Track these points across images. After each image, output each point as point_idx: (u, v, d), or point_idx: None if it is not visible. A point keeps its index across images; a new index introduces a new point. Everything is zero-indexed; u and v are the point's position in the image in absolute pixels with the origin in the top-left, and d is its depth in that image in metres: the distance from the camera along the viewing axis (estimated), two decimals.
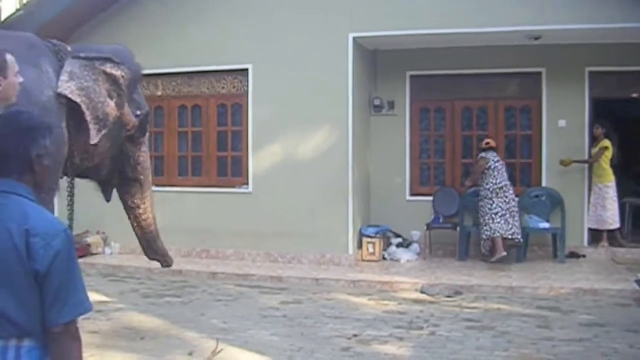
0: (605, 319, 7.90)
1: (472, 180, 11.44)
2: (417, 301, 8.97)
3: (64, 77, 5.42)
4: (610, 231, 11.52)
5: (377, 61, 12.38)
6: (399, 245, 11.83)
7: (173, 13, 11.77)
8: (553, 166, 11.56)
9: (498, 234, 10.76)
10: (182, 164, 12.16)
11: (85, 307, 2.56)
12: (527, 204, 11.43)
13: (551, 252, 11.46)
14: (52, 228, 2.50)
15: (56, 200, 5.89)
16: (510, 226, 10.80)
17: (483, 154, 11.18)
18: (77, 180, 6.36)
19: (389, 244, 11.88)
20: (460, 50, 11.62)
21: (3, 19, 12.86)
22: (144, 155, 6.65)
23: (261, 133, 11.46)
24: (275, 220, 11.34)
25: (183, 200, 11.62)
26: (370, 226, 11.72)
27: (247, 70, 11.60)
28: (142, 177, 6.67)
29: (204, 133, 12.05)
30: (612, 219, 11.36)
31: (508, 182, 11.03)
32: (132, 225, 7.14)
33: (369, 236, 11.49)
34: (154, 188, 6.99)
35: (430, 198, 12.05)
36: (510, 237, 10.80)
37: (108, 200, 6.80)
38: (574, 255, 11.31)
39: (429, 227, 11.77)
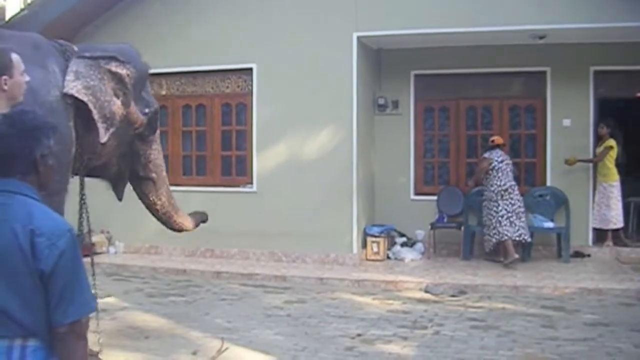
0: (609, 318, 7.89)
1: (475, 180, 11.42)
2: (421, 300, 8.96)
3: (69, 76, 5.42)
4: (614, 230, 11.51)
5: (381, 60, 12.37)
6: (403, 245, 11.82)
7: (177, 12, 11.78)
8: (557, 165, 11.54)
9: (506, 237, 10.68)
10: (186, 164, 12.17)
11: (91, 306, 2.57)
12: (532, 203, 11.40)
13: (555, 252, 11.43)
14: (57, 228, 2.51)
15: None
16: (517, 228, 10.71)
17: (486, 154, 11.10)
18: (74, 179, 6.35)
19: (393, 243, 11.87)
20: (464, 49, 11.61)
21: (7, 18, 12.88)
22: (155, 153, 6.61)
23: (265, 132, 11.46)
24: (280, 220, 11.34)
25: (187, 200, 11.53)
26: (374, 225, 11.71)
27: (251, 69, 11.60)
28: (153, 175, 6.64)
29: (208, 132, 12.06)
30: (616, 218, 11.35)
31: (513, 183, 10.92)
32: (154, 216, 7.14)
33: (373, 235, 11.49)
34: None
35: (435, 197, 12.05)
36: (517, 238, 10.74)
37: (120, 199, 6.79)
38: (578, 254, 11.29)
39: (433, 226, 11.76)
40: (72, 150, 5.49)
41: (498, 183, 10.83)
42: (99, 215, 10.62)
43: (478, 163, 11.49)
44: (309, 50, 11.21)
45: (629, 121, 12.82)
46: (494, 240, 10.81)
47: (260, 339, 7.15)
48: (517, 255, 10.59)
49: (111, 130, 5.69)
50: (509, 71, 11.90)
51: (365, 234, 11.51)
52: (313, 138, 11.26)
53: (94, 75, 5.60)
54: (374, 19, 10.93)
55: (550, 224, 11.25)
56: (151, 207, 6.96)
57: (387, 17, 10.88)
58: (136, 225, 11.98)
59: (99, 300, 6.15)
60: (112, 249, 12.04)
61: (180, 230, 7.42)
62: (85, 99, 5.45)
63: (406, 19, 10.78)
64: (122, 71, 5.78)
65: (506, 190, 10.80)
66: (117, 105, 5.73)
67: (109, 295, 9.00)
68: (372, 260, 11.39)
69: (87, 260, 5.76)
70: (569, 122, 11.58)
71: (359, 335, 7.28)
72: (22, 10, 12.29)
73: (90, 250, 6.51)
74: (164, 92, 12.06)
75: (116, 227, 11.86)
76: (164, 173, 6.82)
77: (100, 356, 6.12)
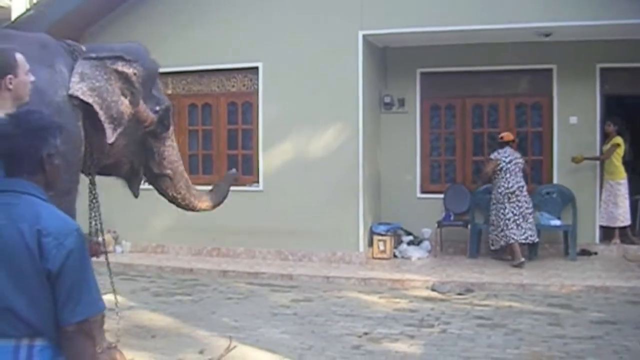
0: (616, 316, 7.88)
1: (482, 180, 11.39)
2: (427, 299, 8.96)
3: (74, 78, 5.42)
4: (621, 228, 11.47)
5: (387, 58, 12.36)
6: (409, 243, 11.82)
7: (182, 11, 11.78)
8: (564, 163, 11.52)
9: (512, 240, 10.62)
10: (193, 163, 12.16)
11: (99, 306, 2.57)
12: (538, 201, 11.37)
13: (562, 250, 11.40)
14: (64, 227, 2.51)
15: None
16: (524, 230, 10.64)
17: (494, 154, 10.97)
18: (85, 179, 6.36)
19: (399, 242, 11.86)
20: (470, 47, 11.60)
21: (13, 18, 12.91)
22: (169, 149, 6.58)
23: (271, 131, 11.46)
24: (286, 218, 11.35)
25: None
26: (380, 224, 11.71)
27: (257, 68, 11.60)
28: (169, 171, 6.61)
29: (214, 131, 12.07)
30: (623, 216, 11.32)
31: (521, 184, 10.76)
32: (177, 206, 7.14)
33: (379, 234, 11.48)
34: None
35: (441, 195, 12.03)
36: (524, 241, 10.68)
37: (135, 196, 6.78)
38: (585, 252, 11.26)
39: (440, 224, 11.75)
40: (82, 150, 5.50)
41: (505, 185, 10.73)
42: (106, 215, 10.63)
43: (486, 161, 11.43)
44: (314, 49, 11.20)
45: (636, 118, 12.78)
46: (501, 242, 10.78)
47: (266, 338, 7.16)
48: (523, 259, 10.51)
49: (119, 130, 5.69)
50: (515, 69, 11.87)
51: (372, 233, 11.51)
52: (319, 137, 11.26)
53: (100, 76, 5.60)
54: (379, 17, 10.92)
55: (557, 222, 11.21)
56: (172, 201, 6.96)
57: (392, 15, 10.87)
58: (142, 224, 12.05)
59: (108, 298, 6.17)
60: (118, 248, 12.05)
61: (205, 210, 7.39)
62: (90, 100, 5.46)
63: (412, 17, 10.78)
64: (129, 70, 5.78)
65: (513, 192, 10.68)
66: (124, 104, 5.73)
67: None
68: (379, 258, 11.39)
69: (99, 260, 5.80)
70: (576, 120, 11.56)
71: (365, 333, 7.28)
72: (27, 10, 12.31)
73: (96, 250, 6.50)
74: (169, 92, 12.05)
75: (122, 227, 11.87)
76: (181, 167, 6.78)
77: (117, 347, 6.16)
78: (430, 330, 7.40)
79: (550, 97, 11.74)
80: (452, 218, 11.81)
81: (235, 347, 6.82)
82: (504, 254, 10.94)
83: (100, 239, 6.33)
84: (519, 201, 10.69)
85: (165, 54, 11.05)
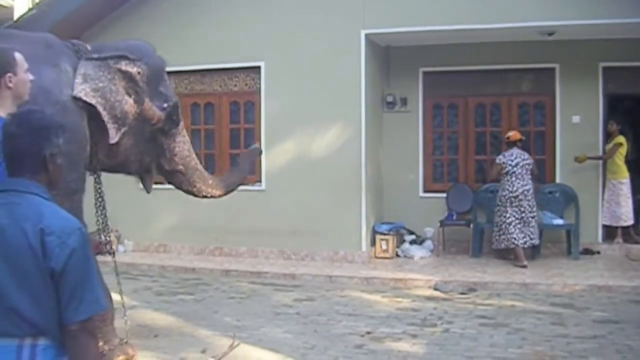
0: (619, 315, 7.87)
1: (489, 179, 11.37)
2: (430, 298, 8.95)
3: (77, 79, 5.43)
4: (624, 227, 11.46)
5: (389, 57, 12.35)
6: (412, 242, 11.81)
7: (184, 11, 11.78)
8: (567, 162, 11.51)
9: (514, 245, 10.58)
10: None
11: (102, 304, 2.58)
12: (541, 200, 11.33)
13: (565, 249, 11.40)
14: (67, 226, 2.51)
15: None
16: (524, 235, 10.57)
17: (499, 158, 10.82)
18: (87, 178, 6.37)
19: (402, 241, 11.85)
20: (473, 46, 11.59)
21: (15, 18, 12.91)
22: (180, 145, 6.55)
23: (274, 130, 11.46)
24: (288, 218, 11.35)
25: (196, 198, 11.59)
26: (383, 223, 11.71)
27: (259, 67, 11.60)
28: (180, 167, 6.58)
29: (216, 131, 12.07)
30: (625, 215, 11.31)
31: (527, 188, 10.59)
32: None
33: (382, 233, 11.48)
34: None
35: (444, 195, 12.03)
36: (524, 245, 10.60)
37: (148, 192, 6.78)
38: (588, 251, 11.25)
39: (442, 223, 11.75)
40: (87, 149, 5.51)
41: (509, 189, 10.61)
42: (108, 214, 10.68)
43: (491, 165, 11.32)
44: (317, 48, 11.20)
45: (638, 117, 12.77)
46: (502, 245, 10.74)
47: (269, 337, 7.15)
48: (525, 263, 10.44)
49: (123, 130, 5.69)
50: (517, 68, 11.86)
51: (374, 232, 11.51)
52: (321, 136, 11.25)
53: (103, 77, 5.60)
54: (382, 17, 10.92)
55: (559, 221, 11.20)
56: (189, 194, 6.96)
57: (395, 14, 10.87)
58: (145, 223, 12.06)
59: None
60: (121, 248, 12.04)
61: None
62: (93, 101, 5.46)
63: (414, 16, 10.77)
64: (132, 69, 5.77)
65: (516, 197, 10.57)
66: (129, 104, 5.73)
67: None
68: (381, 258, 11.39)
69: (102, 260, 5.82)
70: (578, 119, 11.54)
71: (368, 333, 7.28)
72: (30, 10, 12.32)
73: (100, 249, 6.51)
74: None
75: (125, 226, 11.86)
76: (193, 162, 6.73)
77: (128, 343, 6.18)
78: (433, 330, 7.40)
79: (552, 96, 11.73)
80: (454, 217, 11.81)
81: (238, 344, 6.82)
82: (508, 253, 10.91)
83: (103, 237, 6.34)
84: (521, 206, 10.58)
85: (167, 54, 10.97)
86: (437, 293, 9.23)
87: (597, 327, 7.37)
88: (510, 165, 10.65)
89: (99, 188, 6.20)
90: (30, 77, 3.63)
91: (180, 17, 11.76)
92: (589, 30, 10.65)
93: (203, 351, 6.67)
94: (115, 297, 6.25)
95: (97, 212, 6.29)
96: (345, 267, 10.79)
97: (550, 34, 10.79)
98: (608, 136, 11.54)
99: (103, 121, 5.54)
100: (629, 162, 11.57)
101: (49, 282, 2.45)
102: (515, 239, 10.54)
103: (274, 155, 11.48)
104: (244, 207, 11.45)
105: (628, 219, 11.35)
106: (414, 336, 7.15)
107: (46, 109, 4.13)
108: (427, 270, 10.53)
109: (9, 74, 3.47)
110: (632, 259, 10.83)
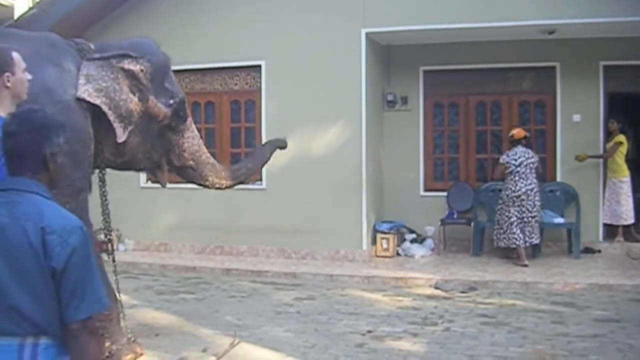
0: (620, 314, 7.87)
1: (493, 178, 11.31)
2: (431, 297, 8.95)
3: (80, 80, 5.42)
4: (625, 226, 11.46)
5: (390, 56, 12.35)
6: (412, 241, 11.81)
7: (184, 10, 11.78)
8: (567, 161, 11.50)
9: (515, 245, 10.56)
10: None
11: (103, 303, 2.58)
12: (542, 198, 11.33)
13: (566, 247, 11.39)
14: (68, 225, 2.52)
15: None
16: (525, 235, 10.54)
17: (503, 158, 10.73)
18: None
19: (402, 240, 11.85)
20: (473, 44, 11.58)
21: (16, 17, 12.91)
22: (189, 140, 6.53)
23: (274, 129, 11.42)
24: (289, 216, 11.34)
25: (197, 197, 11.59)
26: (384, 222, 11.71)
27: (259, 66, 11.60)
28: (190, 163, 6.57)
29: (217, 129, 12.07)
30: (626, 214, 11.31)
31: (531, 187, 10.50)
32: None
33: (382, 232, 11.48)
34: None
35: (444, 193, 12.03)
36: (524, 245, 10.57)
37: (163, 186, 6.77)
38: (588, 250, 11.25)
39: (443, 222, 11.74)
40: (91, 148, 5.51)
41: (512, 188, 10.54)
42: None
43: (495, 164, 11.20)
44: (317, 47, 11.19)
45: (639, 116, 12.76)
46: (502, 243, 10.72)
47: (270, 336, 7.16)
48: (527, 262, 10.42)
49: (129, 128, 5.69)
50: (518, 66, 11.86)
51: (375, 231, 11.50)
52: (322, 135, 11.25)
53: (106, 76, 5.60)
54: (382, 15, 10.91)
55: (560, 220, 11.19)
56: (204, 187, 6.96)
57: (395, 13, 10.86)
58: (145, 222, 12.07)
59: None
60: (121, 247, 12.04)
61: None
62: (98, 101, 5.46)
63: (415, 14, 10.76)
64: (135, 67, 5.77)
65: (519, 197, 10.50)
66: (133, 102, 5.72)
67: None
68: (382, 256, 11.39)
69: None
70: (579, 118, 11.54)
71: (369, 331, 7.28)
72: (30, 9, 12.31)
73: (102, 247, 6.51)
74: None
75: (126, 225, 11.84)
76: (204, 156, 6.72)
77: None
78: (434, 329, 7.40)
79: (553, 94, 11.73)
80: (455, 216, 11.80)
81: (239, 342, 6.83)
82: (511, 252, 10.87)
83: (106, 236, 6.34)
84: (523, 205, 10.52)
85: (168, 52, 11.07)
86: (437, 292, 9.23)
87: (598, 326, 7.36)
88: (513, 164, 10.57)
89: (103, 187, 6.21)
90: (29, 76, 3.63)
91: (181, 15, 11.75)
92: (590, 28, 10.65)
93: (204, 350, 6.67)
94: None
95: (102, 210, 6.29)
96: (346, 265, 10.79)
97: (550, 33, 10.78)
98: (608, 135, 11.54)
99: (108, 120, 5.54)
100: (629, 161, 11.57)
101: (49, 281, 2.45)
102: (516, 238, 10.51)
103: (274, 155, 11.42)
104: (245, 206, 11.46)
105: (629, 218, 11.35)
106: (415, 335, 7.15)
107: (49, 108, 4.14)
108: (427, 269, 10.53)
109: (7, 73, 3.47)
110: (633, 258, 10.83)
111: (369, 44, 11.14)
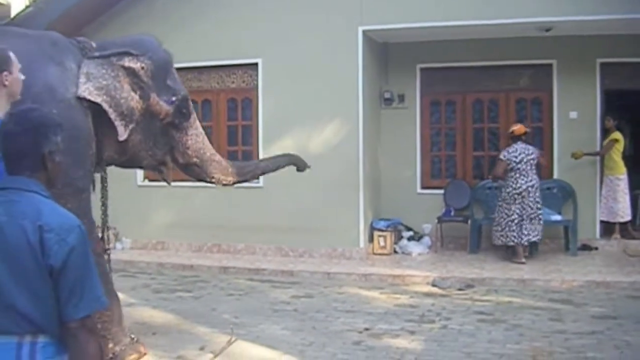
0: (617, 311, 7.88)
1: (493, 176, 11.05)
2: (428, 294, 8.96)
3: (81, 79, 5.42)
4: (622, 223, 11.47)
5: (387, 54, 12.35)
6: (410, 239, 11.81)
7: (181, 8, 11.76)
8: (564, 158, 11.51)
9: (512, 243, 10.51)
10: None
11: (101, 302, 2.58)
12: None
13: (563, 245, 11.39)
14: (66, 223, 2.52)
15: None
16: (526, 232, 10.43)
17: (503, 154, 10.61)
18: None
19: (399, 237, 11.86)
20: (470, 42, 11.58)
21: (12, 15, 12.89)
22: (193, 138, 6.48)
23: (271, 127, 11.46)
24: (286, 214, 11.34)
25: (194, 195, 11.61)
26: (381, 219, 11.71)
27: (256, 64, 11.59)
28: (195, 160, 6.52)
29: (214, 127, 12.05)
30: (623, 211, 11.32)
31: (531, 184, 10.43)
32: None
33: (379, 229, 11.48)
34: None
35: (441, 191, 12.04)
36: (525, 243, 10.50)
37: (168, 183, 6.76)
38: (585, 247, 11.26)
39: (440, 220, 11.75)
40: (93, 146, 5.50)
41: (514, 185, 10.47)
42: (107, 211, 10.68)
43: (496, 164, 11.03)
44: (314, 45, 11.18)
45: (636, 113, 12.77)
46: (499, 241, 10.67)
47: (267, 334, 7.16)
48: (524, 260, 10.40)
49: (130, 126, 5.68)
50: (515, 64, 11.86)
51: (372, 228, 11.51)
52: (319, 132, 11.25)
53: (107, 74, 5.59)
54: (379, 13, 10.90)
55: (557, 217, 11.19)
56: (211, 183, 6.91)
57: (392, 10, 10.85)
58: (143, 221, 12.06)
59: None
60: (119, 245, 12.03)
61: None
62: (98, 100, 5.46)
63: (412, 12, 10.75)
64: (136, 65, 5.76)
65: (520, 193, 10.43)
66: (135, 100, 5.71)
67: None
68: (379, 254, 11.39)
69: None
70: (576, 115, 11.55)
71: (366, 329, 7.29)
72: (26, 7, 12.28)
73: (100, 246, 6.51)
74: None
75: (123, 223, 11.83)
76: (208, 153, 6.67)
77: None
78: (431, 326, 7.40)
79: (550, 92, 11.73)
80: (452, 213, 11.81)
81: (236, 339, 6.83)
82: (507, 249, 10.85)
83: (105, 235, 6.34)
84: (523, 203, 10.44)
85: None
86: (435, 289, 9.23)
87: (595, 323, 7.38)
88: (514, 161, 10.48)
89: (105, 186, 6.20)
90: (22, 76, 3.63)
91: (178, 13, 11.74)
92: (587, 26, 10.65)
93: (201, 348, 6.67)
94: None
95: (102, 208, 6.29)
96: (343, 263, 10.79)
97: (547, 30, 10.78)
98: (605, 132, 11.54)
99: (109, 118, 5.53)
100: (626, 158, 11.58)
101: (48, 280, 2.45)
102: (514, 237, 10.47)
103: (271, 152, 11.38)
104: (242, 204, 11.45)
105: (625, 215, 11.37)
106: (412, 332, 7.16)
107: (51, 106, 4.14)
108: (425, 266, 10.54)
109: (5, 72, 3.47)
110: (629, 255, 10.84)
111: (365, 42, 11.14)
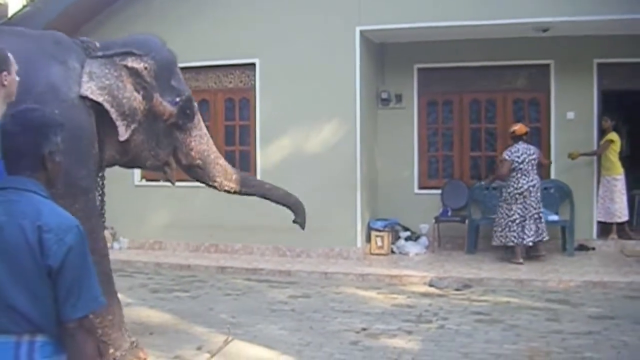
0: (614, 311, 7.89)
1: (495, 177, 11.03)
2: (425, 294, 8.96)
3: (84, 78, 5.41)
4: (619, 224, 11.48)
5: (384, 54, 12.35)
6: (407, 239, 11.81)
7: (179, 7, 11.75)
8: (561, 158, 11.52)
9: (512, 244, 10.49)
10: None
11: (99, 302, 2.58)
12: None
13: (560, 245, 11.39)
14: (65, 223, 2.52)
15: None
16: (527, 232, 10.39)
17: (506, 154, 10.58)
18: None
19: (397, 237, 11.86)
20: (468, 42, 11.58)
21: (10, 15, 12.87)
22: (197, 139, 6.44)
23: (269, 127, 11.45)
24: (284, 214, 11.23)
25: (191, 195, 11.58)
26: (378, 219, 11.71)
27: (254, 64, 11.59)
28: (198, 162, 6.48)
29: (211, 128, 11.97)
30: (620, 211, 11.32)
31: (532, 183, 10.41)
32: None
33: (377, 229, 11.48)
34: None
35: (439, 191, 12.04)
36: (524, 245, 10.46)
37: (173, 184, 6.74)
38: (583, 247, 11.27)
39: (437, 220, 11.75)
40: (95, 146, 5.49)
41: (515, 185, 10.46)
42: (103, 212, 10.67)
43: (498, 164, 11.07)
44: (311, 45, 11.18)
45: (633, 114, 12.78)
46: (498, 242, 10.65)
47: (264, 334, 7.16)
48: (521, 261, 10.38)
49: (133, 126, 5.66)
50: (512, 64, 11.87)
51: (369, 228, 11.51)
52: (316, 133, 11.25)
53: (110, 74, 5.58)
54: (376, 13, 10.91)
55: (554, 217, 11.19)
56: (212, 188, 6.88)
57: (389, 10, 10.86)
58: (140, 221, 12.04)
59: None
60: (116, 245, 12.02)
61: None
62: (100, 99, 5.45)
63: (409, 12, 10.76)
64: (139, 65, 5.74)
65: (521, 193, 10.41)
66: (137, 100, 5.68)
67: None
68: (377, 254, 11.39)
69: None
70: (573, 115, 11.56)
71: (363, 329, 7.29)
72: (24, 7, 12.29)
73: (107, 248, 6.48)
74: None
75: (120, 223, 11.85)
76: (212, 156, 6.63)
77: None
78: (428, 326, 7.41)
79: (547, 92, 11.74)
80: (449, 214, 11.81)
81: (233, 339, 6.82)
82: (507, 249, 10.83)
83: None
84: (525, 203, 10.42)
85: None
86: (432, 289, 9.24)
87: (592, 323, 7.38)
88: (517, 161, 10.46)
89: (102, 186, 6.20)
90: (17, 78, 3.63)
91: (175, 13, 11.72)
92: (584, 26, 10.66)
93: (199, 348, 6.66)
94: None
95: (100, 207, 6.29)
96: (340, 263, 10.79)
97: (544, 31, 10.79)
98: (602, 133, 11.55)
99: (111, 118, 5.53)
100: (623, 159, 11.57)
101: (46, 280, 2.45)
102: (514, 237, 10.45)
103: (269, 152, 11.48)
104: (239, 203, 11.39)
105: (622, 215, 11.37)
106: (409, 332, 7.16)
107: (54, 106, 4.13)
108: (422, 266, 10.54)
109: (4, 72, 3.47)
110: (626, 255, 10.85)
111: (363, 42, 11.14)
